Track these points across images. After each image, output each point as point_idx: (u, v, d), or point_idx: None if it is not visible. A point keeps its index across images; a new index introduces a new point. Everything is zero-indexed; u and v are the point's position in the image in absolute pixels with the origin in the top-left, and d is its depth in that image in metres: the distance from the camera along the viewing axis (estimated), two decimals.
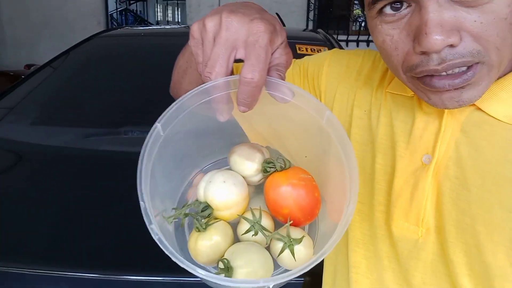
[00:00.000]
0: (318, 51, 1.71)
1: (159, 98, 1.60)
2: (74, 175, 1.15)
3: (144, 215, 0.33)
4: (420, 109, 0.45)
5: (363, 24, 5.61)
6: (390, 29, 0.38)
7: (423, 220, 0.43)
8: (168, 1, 7.90)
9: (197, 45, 0.37)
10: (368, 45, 5.32)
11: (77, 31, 5.12)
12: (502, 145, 0.39)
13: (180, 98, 0.35)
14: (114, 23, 6.91)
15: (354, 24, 5.58)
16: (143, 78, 1.59)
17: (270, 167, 0.40)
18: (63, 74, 1.71)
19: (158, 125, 0.35)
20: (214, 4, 5.23)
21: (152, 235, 0.32)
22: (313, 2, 5.26)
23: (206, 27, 0.36)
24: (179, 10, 6.11)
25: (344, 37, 5.27)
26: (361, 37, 5.33)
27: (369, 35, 5.29)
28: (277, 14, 3.44)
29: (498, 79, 0.40)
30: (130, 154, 0.93)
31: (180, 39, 2.16)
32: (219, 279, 0.31)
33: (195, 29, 0.37)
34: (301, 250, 0.36)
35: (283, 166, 0.40)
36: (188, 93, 0.35)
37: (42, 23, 5.52)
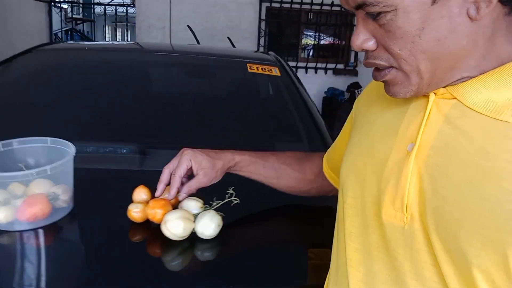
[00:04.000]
0: (268, 70, 1.73)
1: (101, 116, 1.50)
2: None
3: None
4: (410, 105, 0.51)
5: (311, 53, 5.84)
6: None
7: (407, 206, 0.46)
8: (117, 23, 7.75)
9: None
10: (316, 72, 5.52)
11: (20, 51, 4.82)
12: (480, 136, 0.42)
13: None
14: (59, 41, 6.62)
15: (303, 51, 5.78)
16: (86, 95, 1.50)
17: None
18: None
19: None
20: (165, 26, 5.21)
21: None
22: (263, 29, 5.40)
23: None
24: (129, 32, 5.99)
25: (293, 64, 5.43)
26: (310, 64, 5.53)
27: (316, 62, 5.53)
28: (228, 38, 3.49)
29: (479, 75, 0.45)
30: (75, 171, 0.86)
31: (129, 54, 2.07)
32: None
33: None
34: None
35: None
36: None
37: None
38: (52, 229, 0.82)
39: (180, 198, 0.82)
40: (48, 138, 0.90)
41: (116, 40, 7.08)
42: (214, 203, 0.85)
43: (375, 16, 0.44)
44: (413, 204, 0.46)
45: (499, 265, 0.38)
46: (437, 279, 0.44)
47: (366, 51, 0.48)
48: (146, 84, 1.64)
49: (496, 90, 0.43)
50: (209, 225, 0.77)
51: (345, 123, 0.72)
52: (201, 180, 0.80)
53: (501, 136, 0.41)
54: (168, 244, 0.78)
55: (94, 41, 6.51)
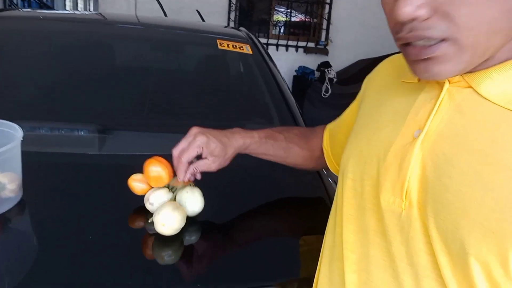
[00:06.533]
0: (240, 48, 1.64)
1: (56, 93, 1.38)
2: None
3: None
4: (422, 91, 0.48)
5: (282, 30, 5.73)
6: None
7: (407, 192, 0.45)
8: None
9: None
10: (287, 50, 5.44)
11: None
12: (492, 126, 0.41)
13: None
14: (14, 8, 6.14)
15: (274, 28, 5.67)
16: (40, 70, 1.37)
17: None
18: None
19: None
20: None
21: None
22: (234, 3, 5.23)
23: None
24: (91, 2, 5.63)
25: (264, 40, 5.32)
26: (281, 41, 5.44)
27: (287, 40, 5.44)
28: (197, 11, 3.34)
29: (497, 64, 0.42)
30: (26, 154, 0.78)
31: (88, 25, 1.92)
32: None
33: None
34: None
35: None
36: None
37: None
38: None
39: (185, 179, 0.77)
40: None
41: (77, 10, 6.68)
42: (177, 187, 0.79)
43: None
44: (413, 191, 0.45)
45: (498, 257, 0.38)
46: (431, 268, 0.43)
47: (410, 22, 0.40)
48: (106, 59, 1.52)
49: None
50: (194, 200, 0.77)
51: (354, 101, 0.70)
52: (210, 165, 0.77)
53: None
54: (124, 236, 0.72)
55: (53, 10, 6.09)
